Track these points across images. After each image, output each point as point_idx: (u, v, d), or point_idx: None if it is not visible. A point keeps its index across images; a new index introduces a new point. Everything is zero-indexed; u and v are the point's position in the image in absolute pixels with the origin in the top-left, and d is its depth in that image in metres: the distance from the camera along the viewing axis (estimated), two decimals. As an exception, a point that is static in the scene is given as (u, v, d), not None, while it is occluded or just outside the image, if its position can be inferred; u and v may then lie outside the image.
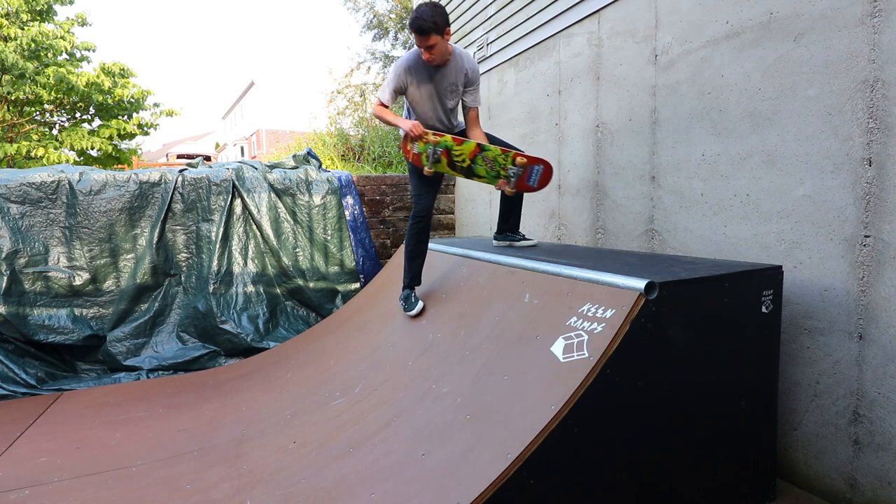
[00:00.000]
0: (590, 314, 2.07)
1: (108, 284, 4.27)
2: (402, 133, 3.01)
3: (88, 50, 10.81)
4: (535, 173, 3.02)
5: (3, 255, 3.94)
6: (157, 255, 4.41)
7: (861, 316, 2.19)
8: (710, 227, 2.83)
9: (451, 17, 5.78)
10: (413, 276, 3.33)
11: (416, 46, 2.94)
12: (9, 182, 4.03)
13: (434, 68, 2.99)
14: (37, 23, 9.75)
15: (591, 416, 1.86)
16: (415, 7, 2.78)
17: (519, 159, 2.94)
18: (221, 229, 4.61)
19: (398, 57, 15.72)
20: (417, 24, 2.77)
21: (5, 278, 3.91)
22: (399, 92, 3.05)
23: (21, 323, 3.90)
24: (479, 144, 2.98)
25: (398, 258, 4.28)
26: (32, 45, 9.36)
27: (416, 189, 3.19)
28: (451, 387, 2.40)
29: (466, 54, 3.09)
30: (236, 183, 4.70)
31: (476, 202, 5.39)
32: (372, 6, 15.70)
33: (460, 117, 3.35)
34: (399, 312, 3.40)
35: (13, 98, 9.34)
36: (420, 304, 3.25)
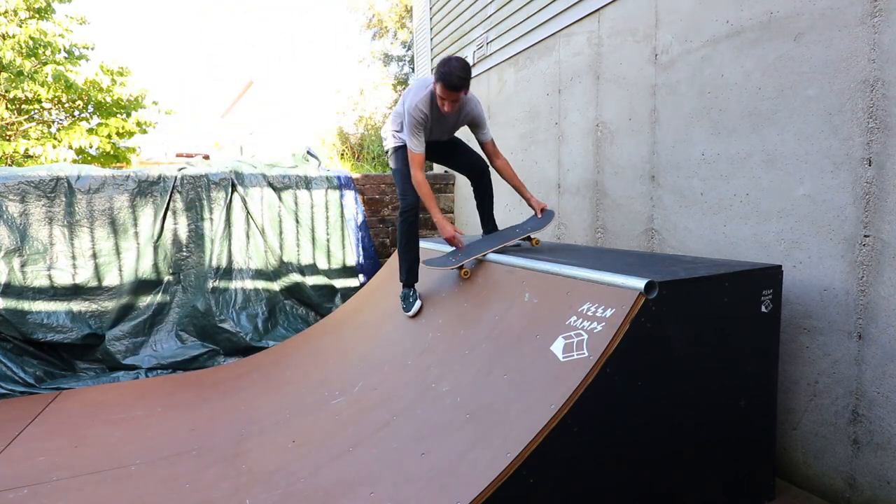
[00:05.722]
0: (590, 313, 2.07)
1: (107, 283, 4.26)
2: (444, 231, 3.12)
3: (87, 48, 10.78)
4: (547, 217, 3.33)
5: (2, 254, 3.93)
6: (155, 254, 4.40)
7: (860, 315, 2.19)
8: (710, 226, 2.83)
9: (451, 17, 5.77)
10: (409, 273, 3.36)
11: (427, 88, 2.97)
12: (7, 180, 4.02)
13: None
14: (35, 20, 9.73)
15: (591, 415, 1.86)
16: (445, 61, 2.83)
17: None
18: (220, 228, 4.60)
19: (398, 57, 15.73)
20: (452, 80, 2.79)
21: (4, 276, 3.91)
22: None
23: (20, 321, 3.89)
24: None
25: (397, 258, 4.27)
26: (31, 42, 9.33)
27: (402, 188, 3.25)
28: (450, 386, 2.40)
29: (472, 98, 3.10)
30: (235, 181, 4.69)
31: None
32: (372, 5, 15.69)
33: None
34: (399, 311, 3.40)
35: (11, 96, 9.31)
36: (418, 304, 3.28)
